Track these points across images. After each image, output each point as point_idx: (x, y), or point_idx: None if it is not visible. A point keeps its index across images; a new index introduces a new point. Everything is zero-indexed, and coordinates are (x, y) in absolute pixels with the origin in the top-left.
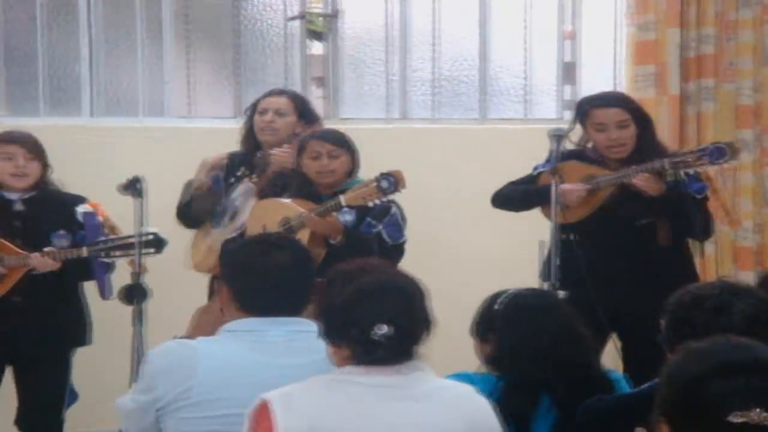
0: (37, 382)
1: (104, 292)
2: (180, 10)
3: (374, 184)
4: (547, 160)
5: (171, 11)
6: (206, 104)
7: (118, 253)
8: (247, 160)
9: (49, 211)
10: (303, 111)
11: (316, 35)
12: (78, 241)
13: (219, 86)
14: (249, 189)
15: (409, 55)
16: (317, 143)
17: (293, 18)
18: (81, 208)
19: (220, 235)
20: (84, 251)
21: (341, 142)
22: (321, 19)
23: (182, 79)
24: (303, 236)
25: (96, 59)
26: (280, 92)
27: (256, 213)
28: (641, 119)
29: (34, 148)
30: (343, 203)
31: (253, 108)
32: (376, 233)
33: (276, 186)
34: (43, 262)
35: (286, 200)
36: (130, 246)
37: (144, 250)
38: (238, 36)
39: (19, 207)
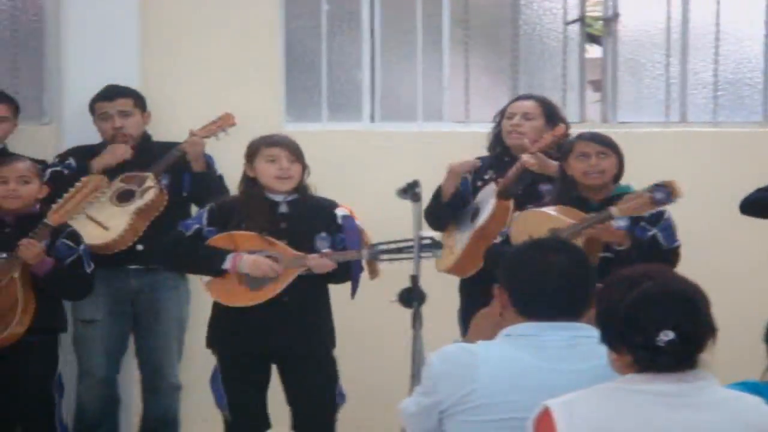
0: (307, 382)
1: (355, 293)
2: (459, 17)
3: (648, 194)
4: None
5: (450, 18)
6: (483, 109)
7: (393, 256)
8: (495, 163)
9: (312, 213)
10: (550, 114)
11: (594, 39)
12: (337, 244)
13: (496, 91)
14: (492, 191)
15: (689, 57)
16: (585, 144)
17: (572, 22)
18: (340, 212)
19: (461, 236)
20: (364, 254)
21: (609, 144)
22: (600, 22)
23: (460, 84)
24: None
25: (376, 66)
26: (528, 96)
27: (520, 223)
28: None
29: (296, 150)
30: (615, 215)
31: (502, 113)
32: (651, 236)
33: (518, 186)
34: (321, 263)
35: (552, 211)
36: (406, 249)
37: (422, 254)
38: (516, 41)
39: (284, 209)
